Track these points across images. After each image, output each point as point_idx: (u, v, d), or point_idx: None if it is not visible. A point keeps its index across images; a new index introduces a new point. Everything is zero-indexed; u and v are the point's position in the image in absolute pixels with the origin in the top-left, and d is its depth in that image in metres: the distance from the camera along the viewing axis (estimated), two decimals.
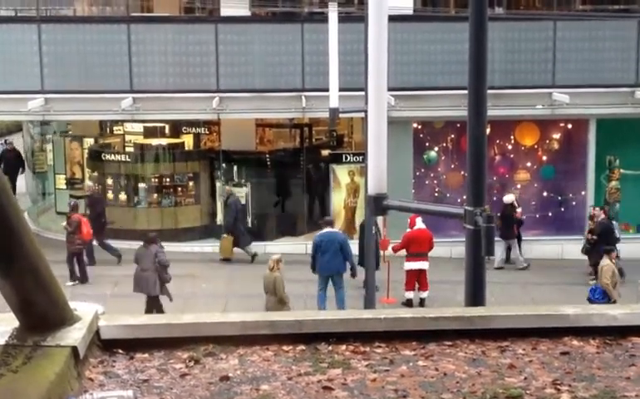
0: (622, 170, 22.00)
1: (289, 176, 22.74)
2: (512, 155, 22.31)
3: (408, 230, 18.03)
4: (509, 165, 22.24)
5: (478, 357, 4.40)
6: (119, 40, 20.72)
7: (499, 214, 19.76)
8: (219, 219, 22.40)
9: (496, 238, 20.17)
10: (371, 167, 7.97)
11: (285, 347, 4.45)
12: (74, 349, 3.95)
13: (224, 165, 22.23)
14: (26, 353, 3.81)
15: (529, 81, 20.97)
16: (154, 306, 16.42)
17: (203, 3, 23.19)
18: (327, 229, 17.30)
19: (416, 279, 17.80)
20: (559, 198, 22.13)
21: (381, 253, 17.89)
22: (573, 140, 22.42)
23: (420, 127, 21.92)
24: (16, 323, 4.06)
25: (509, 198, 20.76)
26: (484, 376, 4.16)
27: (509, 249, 20.62)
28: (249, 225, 22.19)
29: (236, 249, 20.88)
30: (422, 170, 22.08)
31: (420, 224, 17.92)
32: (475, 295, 7.82)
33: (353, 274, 17.02)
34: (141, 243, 17.02)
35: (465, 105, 7.91)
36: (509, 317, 4.70)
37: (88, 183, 22.47)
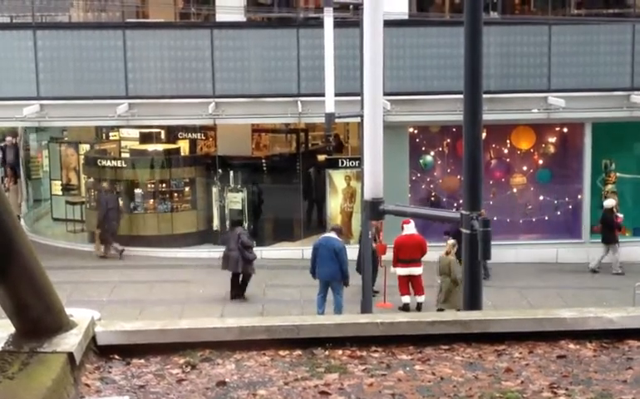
0: (618, 174, 22.03)
1: (285, 181, 22.73)
2: (508, 159, 22.33)
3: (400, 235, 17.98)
4: (505, 169, 22.26)
5: (475, 360, 4.40)
6: (114, 46, 20.72)
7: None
8: (216, 224, 22.41)
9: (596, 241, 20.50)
10: (367, 172, 7.98)
11: (282, 352, 4.44)
12: (70, 355, 3.94)
13: (220, 170, 22.23)
14: (22, 359, 3.80)
15: (524, 85, 21.00)
16: (237, 281, 18.31)
17: (198, 9, 23.20)
18: (327, 234, 17.30)
19: (409, 283, 17.73)
20: (555, 202, 22.15)
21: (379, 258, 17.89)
22: (568, 144, 22.46)
23: (416, 132, 21.94)
24: (12, 329, 4.05)
25: (609, 202, 20.65)
26: (481, 380, 4.16)
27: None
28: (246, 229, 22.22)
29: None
30: (418, 175, 22.10)
31: (409, 229, 17.77)
32: (472, 299, 7.83)
33: (345, 283, 16.89)
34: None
35: (461, 110, 7.93)
36: (506, 321, 4.70)
37: None
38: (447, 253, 16.60)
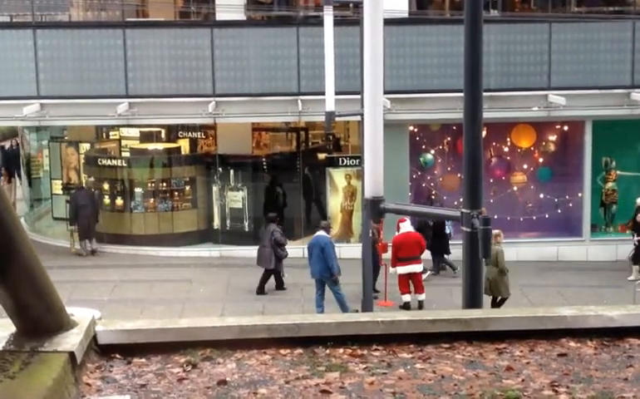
0: (618, 172, 22.03)
1: (286, 180, 22.73)
2: (508, 158, 22.33)
3: (396, 234, 17.99)
4: (505, 168, 22.26)
5: (475, 359, 4.40)
6: (114, 45, 20.71)
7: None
8: (216, 223, 22.40)
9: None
10: (367, 170, 7.98)
11: (283, 351, 4.44)
12: (71, 354, 3.94)
13: (220, 169, 22.23)
14: (23, 359, 3.80)
15: (524, 83, 20.99)
16: (267, 278, 18.68)
17: (198, 8, 23.18)
18: (317, 233, 17.41)
19: (410, 281, 17.73)
20: (556, 200, 22.15)
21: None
22: (569, 142, 22.45)
23: (416, 130, 21.94)
24: (13, 329, 4.05)
25: None
26: (482, 378, 4.16)
27: None
28: (246, 228, 22.21)
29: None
30: (419, 173, 22.10)
31: (406, 227, 17.80)
32: (473, 297, 7.83)
33: (334, 280, 16.90)
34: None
35: (461, 108, 7.93)
36: (507, 319, 4.70)
37: None
38: (494, 243, 16.82)
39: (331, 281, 16.82)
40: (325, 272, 16.73)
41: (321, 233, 17.31)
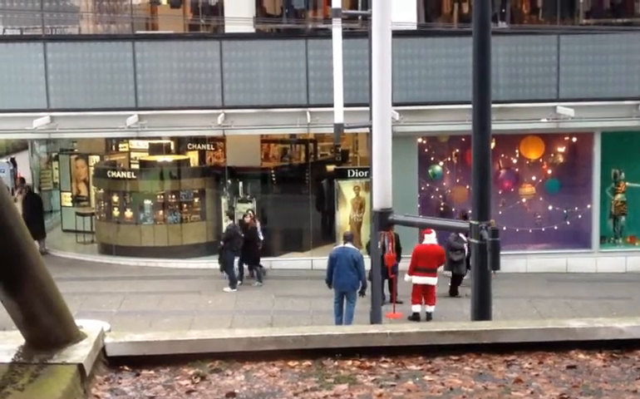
0: (627, 183, 21.98)
1: (294, 192, 22.75)
2: (517, 169, 22.30)
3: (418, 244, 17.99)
4: (514, 179, 22.23)
5: (484, 371, 4.39)
6: (124, 57, 20.80)
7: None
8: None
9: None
10: (376, 182, 8.00)
11: (291, 363, 4.44)
12: (80, 366, 3.94)
13: (229, 181, 22.27)
14: (32, 371, 3.81)
15: (533, 94, 20.98)
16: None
17: (207, 20, 23.27)
18: (345, 244, 17.14)
19: (422, 293, 17.71)
20: (565, 211, 22.10)
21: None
22: (578, 154, 22.42)
23: (424, 142, 21.94)
24: (22, 341, 4.06)
25: None
26: (491, 390, 4.15)
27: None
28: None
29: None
30: (427, 185, 22.08)
31: (430, 239, 17.79)
32: (482, 309, 7.83)
33: (362, 293, 16.87)
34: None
35: (470, 120, 7.94)
36: (516, 331, 4.69)
37: None
38: None
39: (355, 294, 16.73)
40: (356, 284, 16.63)
41: (348, 245, 17.03)
